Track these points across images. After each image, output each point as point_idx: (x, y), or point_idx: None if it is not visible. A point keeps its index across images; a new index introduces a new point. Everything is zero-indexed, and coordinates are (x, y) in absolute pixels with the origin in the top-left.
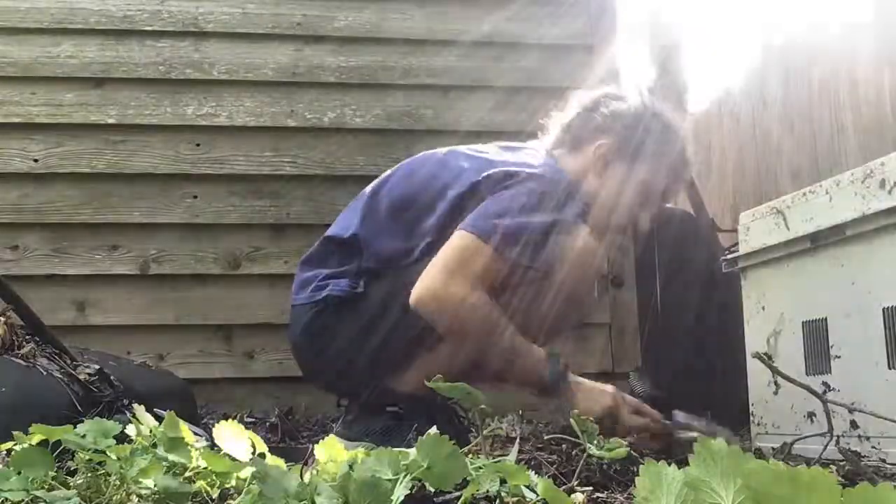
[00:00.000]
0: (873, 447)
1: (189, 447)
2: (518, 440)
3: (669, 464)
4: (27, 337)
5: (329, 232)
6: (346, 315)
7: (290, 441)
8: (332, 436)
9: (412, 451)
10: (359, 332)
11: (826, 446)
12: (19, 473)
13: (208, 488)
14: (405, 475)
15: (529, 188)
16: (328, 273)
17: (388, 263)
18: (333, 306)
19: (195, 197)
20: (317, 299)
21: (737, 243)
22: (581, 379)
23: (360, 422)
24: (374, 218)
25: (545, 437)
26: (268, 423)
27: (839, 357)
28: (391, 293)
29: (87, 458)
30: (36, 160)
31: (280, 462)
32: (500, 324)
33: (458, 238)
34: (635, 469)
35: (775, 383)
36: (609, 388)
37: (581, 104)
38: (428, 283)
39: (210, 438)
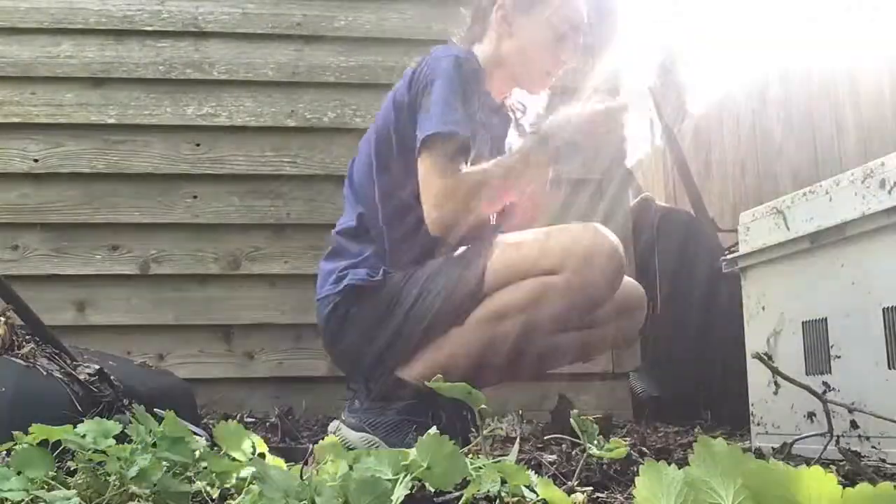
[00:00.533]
0: (873, 447)
1: (189, 447)
2: (518, 440)
3: (669, 464)
4: (27, 337)
5: (338, 227)
6: (366, 304)
7: (290, 441)
8: (336, 422)
9: (412, 451)
10: (377, 320)
11: (826, 446)
12: (19, 473)
13: (208, 488)
14: (405, 475)
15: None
16: (347, 263)
17: (391, 245)
18: (353, 295)
19: (195, 197)
20: (337, 290)
21: (737, 243)
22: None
23: (369, 412)
24: (366, 201)
25: (545, 437)
26: (268, 423)
27: (839, 357)
28: (407, 281)
29: (87, 458)
30: (36, 160)
31: (280, 462)
32: (482, 179)
33: (422, 156)
34: (635, 469)
35: (775, 383)
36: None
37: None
38: (431, 217)
39: (210, 438)
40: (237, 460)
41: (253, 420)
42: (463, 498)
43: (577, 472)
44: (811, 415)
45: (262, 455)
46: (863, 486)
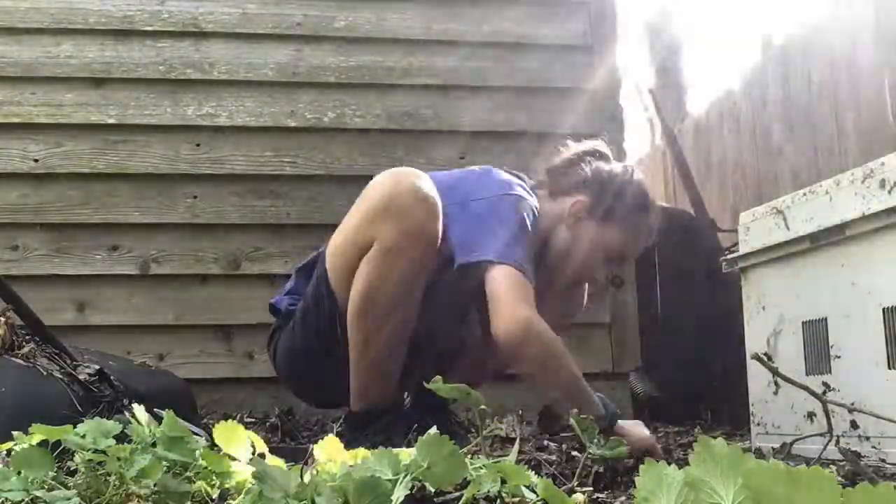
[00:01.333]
0: (873, 447)
1: (189, 447)
2: (518, 440)
3: (669, 464)
4: (27, 337)
5: None
6: None
7: (290, 441)
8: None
9: (412, 451)
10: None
11: (826, 446)
12: (19, 473)
13: (208, 488)
14: (405, 475)
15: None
16: None
17: None
18: None
19: (195, 197)
20: None
21: (737, 243)
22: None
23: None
24: None
25: (545, 438)
26: (268, 423)
27: (839, 357)
28: None
29: (87, 458)
30: (36, 160)
31: (280, 462)
32: (565, 349)
33: (502, 272)
34: (635, 469)
35: (775, 383)
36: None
37: (568, 154)
38: (510, 315)
39: (210, 438)
40: (237, 460)
41: (253, 420)
42: (463, 498)
43: (577, 472)
44: (811, 415)
45: (262, 455)
46: (863, 486)
